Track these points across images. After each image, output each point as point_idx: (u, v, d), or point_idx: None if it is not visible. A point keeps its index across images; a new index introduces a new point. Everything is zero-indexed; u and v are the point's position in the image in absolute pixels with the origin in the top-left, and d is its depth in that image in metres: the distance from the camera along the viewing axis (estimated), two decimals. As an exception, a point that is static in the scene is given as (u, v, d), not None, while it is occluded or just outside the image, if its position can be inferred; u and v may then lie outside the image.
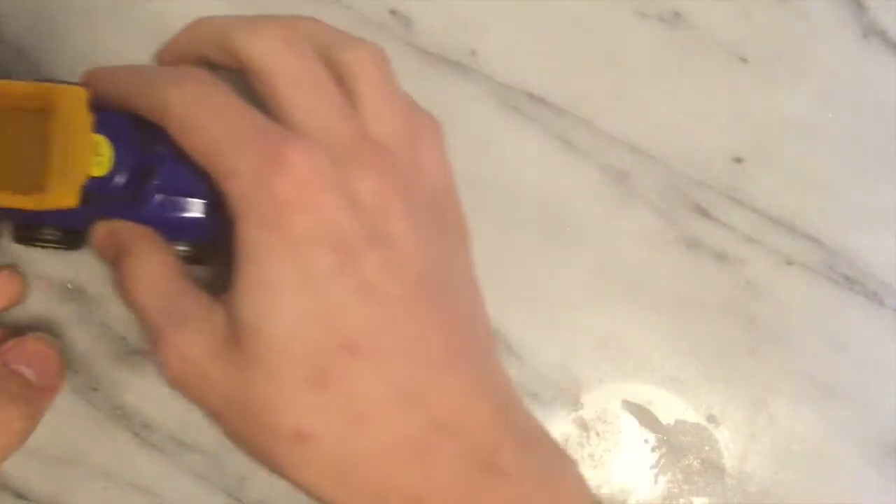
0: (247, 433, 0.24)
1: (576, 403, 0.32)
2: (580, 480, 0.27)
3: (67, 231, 0.28)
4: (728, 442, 0.32)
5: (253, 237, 0.23)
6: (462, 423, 0.24)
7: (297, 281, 0.23)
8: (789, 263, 0.32)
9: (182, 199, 0.27)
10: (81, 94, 0.25)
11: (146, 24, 0.31)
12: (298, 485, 0.24)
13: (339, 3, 0.32)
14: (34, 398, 0.28)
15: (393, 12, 0.32)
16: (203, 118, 0.24)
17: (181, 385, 0.25)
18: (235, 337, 0.24)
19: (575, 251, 0.32)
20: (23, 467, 0.31)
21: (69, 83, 0.25)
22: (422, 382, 0.24)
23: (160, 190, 0.27)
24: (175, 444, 0.31)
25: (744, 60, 0.33)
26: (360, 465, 0.23)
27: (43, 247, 0.28)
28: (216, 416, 0.25)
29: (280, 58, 0.25)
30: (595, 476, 0.32)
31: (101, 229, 0.28)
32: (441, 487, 0.23)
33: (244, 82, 0.26)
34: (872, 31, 0.33)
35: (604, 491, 0.32)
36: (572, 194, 0.32)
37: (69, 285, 0.31)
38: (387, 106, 0.26)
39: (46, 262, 0.31)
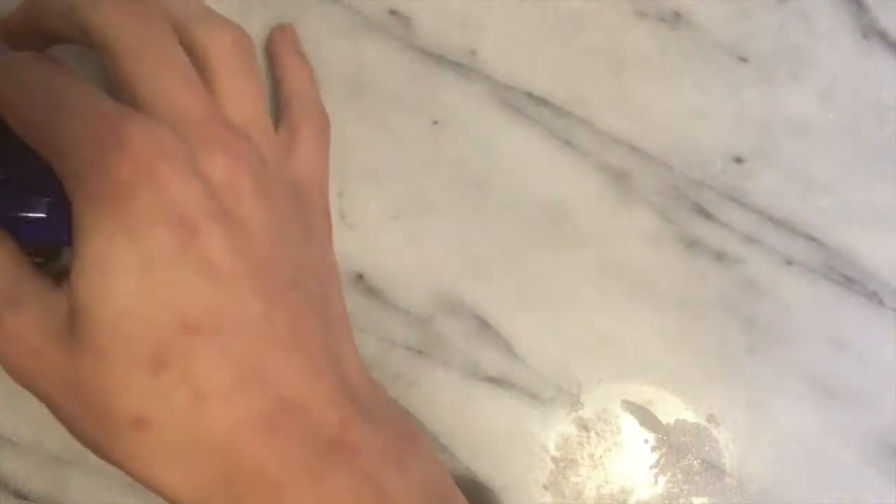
0: (84, 424, 0.23)
1: (576, 403, 0.32)
2: (429, 455, 0.26)
3: None
4: (728, 442, 0.32)
5: (87, 217, 0.22)
6: (308, 400, 0.23)
7: (133, 260, 0.22)
8: (789, 263, 0.32)
9: (28, 196, 0.25)
10: None
11: None
12: (140, 477, 0.23)
13: (339, 2, 0.32)
14: None
15: (393, 12, 0.32)
16: (35, 99, 0.23)
17: (16, 372, 0.24)
18: (73, 322, 0.23)
19: (575, 251, 0.32)
20: (23, 467, 0.31)
21: None
22: (265, 361, 0.23)
23: (6, 187, 0.26)
24: (175, 443, 0.31)
25: (744, 60, 0.33)
26: (203, 450, 0.22)
27: None
28: (54, 407, 0.24)
29: (126, 30, 0.24)
30: (595, 476, 0.32)
31: None
32: (289, 467, 0.23)
33: (96, 59, 0.25)
34: (872, 31, 0.33)
35: (604, 491, 0.32)
36: (572, 194, 0.32)
37: (69, 285, 0.31)
38: (244, 88, 0.26)
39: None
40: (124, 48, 0.24)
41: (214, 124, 0.24)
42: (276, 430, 0.23)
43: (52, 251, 0.27)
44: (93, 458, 0.31)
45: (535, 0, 0.33)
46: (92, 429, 0.23)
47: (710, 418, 0.32)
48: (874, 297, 0.32)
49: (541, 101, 0.33)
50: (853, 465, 0.32)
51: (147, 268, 0.22)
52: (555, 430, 0.32)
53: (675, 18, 0.33)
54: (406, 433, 0.26)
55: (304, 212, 0.27)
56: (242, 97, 0.26)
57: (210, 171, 0.23)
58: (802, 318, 0.32)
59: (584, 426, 0.32)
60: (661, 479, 0.32)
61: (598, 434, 0.32)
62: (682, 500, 0.32)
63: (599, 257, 0.32)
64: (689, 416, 0.32)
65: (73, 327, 0.23)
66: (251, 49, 0.27)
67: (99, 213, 0.22)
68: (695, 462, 0.32)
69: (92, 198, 0.22)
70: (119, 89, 0.24)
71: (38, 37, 0.26)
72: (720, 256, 0.32)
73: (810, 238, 0.33)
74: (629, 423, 0.32)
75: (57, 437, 0.31)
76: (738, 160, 0.33)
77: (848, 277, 0.32)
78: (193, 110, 0.24)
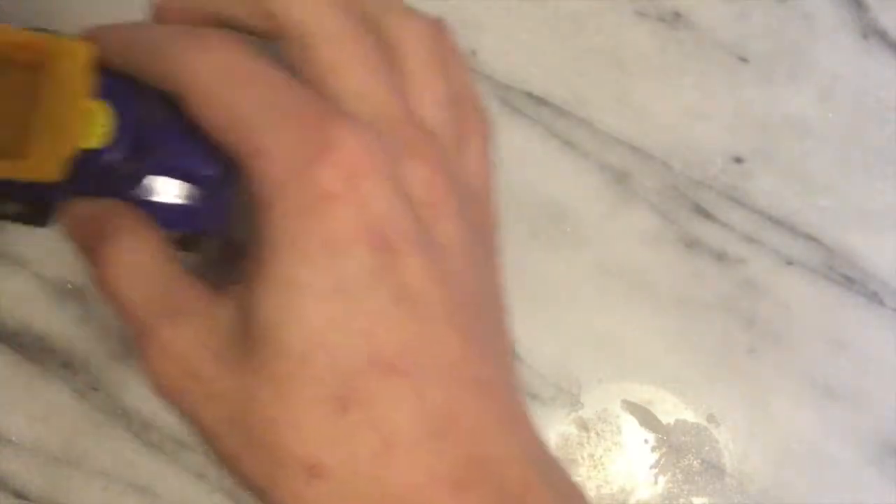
0: (246, 457, 0.20)
1: (576, 403, 0.32)
2: None
3: (34, 205, 0.24)
4: (728, 442, 0.32)
5: (283, 228, 0.20)
6: (499, 458, 0.21)
7: (329, 283, 0.20)
8: (789, 263, 0.32)
9: (183, 183, 0.23)
10: (84, 52, 0.21)
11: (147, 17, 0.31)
12: None
13: (339, 3, 0.32)
14: None
15: (393, 12, 0.32)
16: (230, 87, 0.21)
17: (171, 392, 0.21)
18: (246, 340, 0.20)
19: (575, 251, 0.32)
20: (23, 467, 0.31)
21: (72, 38, 0.22)
22: (461, 411, 0.20)
23: (159, 170, 0.23)
24: (175, 444, 0.31)
25: (744, 60, 0.33)
26: None
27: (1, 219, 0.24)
28: (211, 433, 0.21)
29: (326, 19, 0.22)
30: (595, 476, 0.32)
31: (79, 208, 0.23)
32: None
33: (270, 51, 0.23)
34: (872, 31, 0.33)
35: (604, 491, 0.32)
36: (572, 194, 0.32)
37: (69, 285, 0.31)
38: (439, 88, 0.23)
39: (46, 262, 0.31)
40: (322, 38, 0.22)
41: (413, 128, 0.22)
42: (466, 490, 0.20)
43: (190, 241, 0.25)
44: (93, 459, 0.31)
45: (535, 0, 0.33)
46: (254, 464, 0.20)
47: (710, 418, 0.32)
48: (874, 297, 0.32)
49: (541, 101, 0.33)
50: (853, 465, 0.32)
51: (343, 293, 0.20)
52: (555, 430, 0.32)
53: (675, 18, 0.33)
54: (577, 497, 0.24)
55: (483, 229, 0.25)
56: (436, 98, 0.23)
57: (412, 183, 0.21)
58: (802, 318, 0.32)
59: (584, 426, 0.32)
60: (661, 479, 0.32)
61: (598, 434, 0.32)
62: (682, 500, 0.32)
63: (599, 257, 0.32)
64: (689, 416, 0.32)
65: (248, 348, 0.20)
66: (448, 41, 0.24)
67: (297, 225, 0.20)
68: (695, 462, 0.32)
69: (290, 206, 0.20)
70: (311, 82, 0.22)
71: (205, 23, 0.24)
72: (720, 256, 0.32)
73: (810, 238, 0.33)
74: (629, 423, 0.32)
75: (57, 437, 0.31)
76: (738, 160, 0.33)
77: (848, 277, 0.32)
78: (392, 109, 0.22)
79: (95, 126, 0.22)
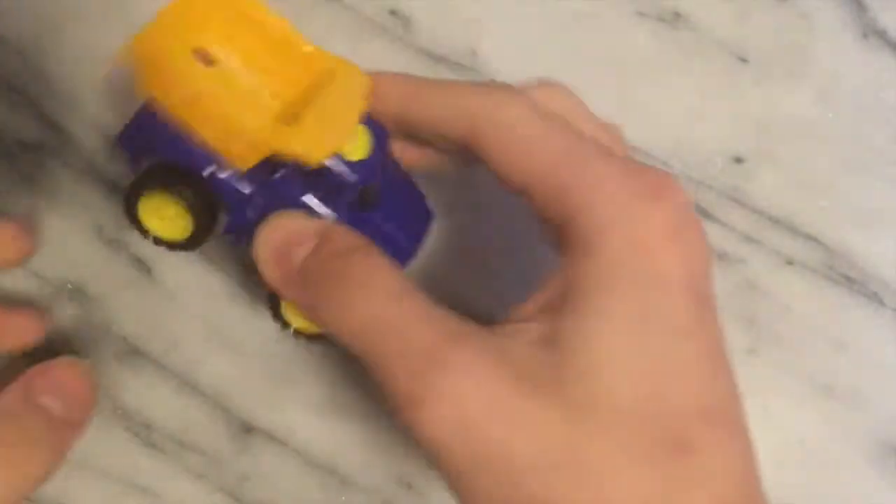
0: (558, 498, 0.19)
1: (576, 403, 0.32)
2: None
3: (212, 204, 0.24)
4: (728, 442, 0.32)
5: (615, 266, 0.20)
6: None
7: (661, 327, 0.20)
8: (789, 263, 0.32)
9: (388, 245, 0.24)
10: (366, 81, 0.25)
11: (143, 23, 0.31)
12: None
13: (339, 2, 0.32)
14: (58, 438, 0.25)
15: (393, 12, 0.32)
16: (539, 132, 0.22)
17: (466, 424, 0.19)
18: (554, 379, 0.19)
19: (575, 251, 0.32)
20: (23, 467, 0.31)
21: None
22: (757, 469, 0.21)
23: (374, 223, 0.25)
24: (175, 444, 0.31)
25: (744, 60, 0.33)
26: None
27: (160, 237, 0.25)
28: (516, 473, 0.19)
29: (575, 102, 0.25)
30: (595, 476, 0.32)
31: (310, 226, 0.23)
32: None
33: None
34: (872, 31, 0.33)
35: (604, 491, 0.32)
36: (572, 194, 0.32)
37: (69, 285, 0.31)
38: None
39: (46, 262, 0.31)
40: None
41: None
42: None
43: None
44: (93, 459, 0.31)
45: (535, 0, 0.33)
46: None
47: (710, 418, 0.32)
48: (874, 297, 0.32)
49: (541, 101, 0.33)
50: (853, 465, 0.32)
51: (673, 338, 0.20)
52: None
53: (675, 18, 0.33)
54: None
55: None
56: None
57: (692, 241, 0.21)
58: (802, 318, 0.32)
59: (584, 426, 0.32)
60: (661, 479, 0.32)
61: (598, 434, 0.32)
62: (682, 500, 0.32)
63: (599, 257, 0.32)
64: (689, 416, 0.32)
65: (558, 388, 0.19)
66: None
67: (630, 264, 0.20)
68: (695, 462, 0.32)
69: (623, 243, 0.20)
70: None
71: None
72: (720, 256, 0.32)
73: (810, 238, 0.33)
74: (629, 423, 0.32)
75: (57, 437, 0.31)
76: (738, 160, 0.33)
77: (848, 277, 0.32)
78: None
79: (358, 143, 0.24)
